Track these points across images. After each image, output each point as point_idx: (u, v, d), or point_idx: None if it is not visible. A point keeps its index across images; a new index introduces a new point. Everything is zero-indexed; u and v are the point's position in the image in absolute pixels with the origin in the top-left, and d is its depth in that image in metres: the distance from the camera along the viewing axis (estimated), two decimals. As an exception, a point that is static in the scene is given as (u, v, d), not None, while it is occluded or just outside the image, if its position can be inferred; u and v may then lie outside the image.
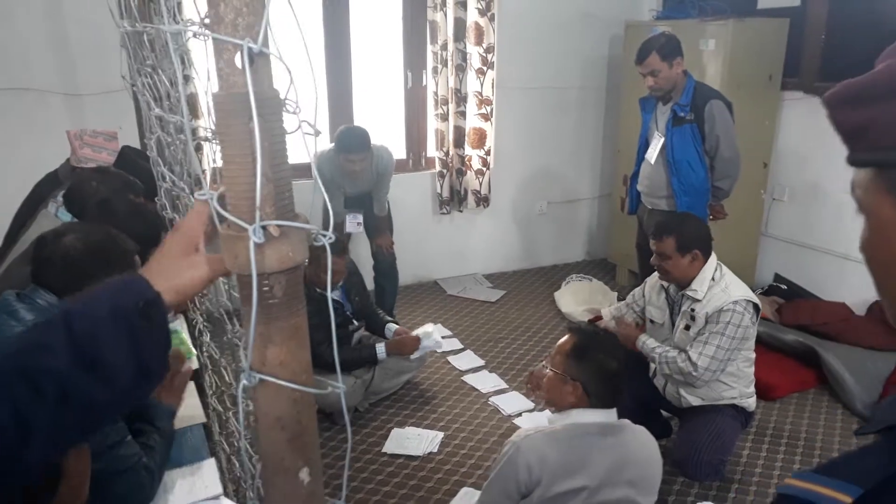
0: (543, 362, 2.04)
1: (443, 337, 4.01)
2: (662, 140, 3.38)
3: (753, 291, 4.33)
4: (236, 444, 1.78)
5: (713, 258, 2.69)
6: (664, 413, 3.00)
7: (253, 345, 0.69)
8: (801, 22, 4.15)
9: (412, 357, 3.34)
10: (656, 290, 2.85)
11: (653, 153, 3.45)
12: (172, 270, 0.76)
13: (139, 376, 0.73)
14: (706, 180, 3.36)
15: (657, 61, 3.24)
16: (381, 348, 3.20)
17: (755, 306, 2.63)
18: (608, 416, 1.91)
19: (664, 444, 2.96)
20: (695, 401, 2.73)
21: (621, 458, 1.84)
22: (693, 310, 2.65)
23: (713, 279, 2.64)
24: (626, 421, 1.95)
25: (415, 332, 3.37)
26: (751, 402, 2.77)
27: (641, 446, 1.91)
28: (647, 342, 2.75)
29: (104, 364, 0.71)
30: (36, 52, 3.64)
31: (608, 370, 1.89)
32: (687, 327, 2.68)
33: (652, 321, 2.86)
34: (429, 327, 3.42)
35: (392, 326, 3.46)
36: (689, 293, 2.66)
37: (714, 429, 2.67)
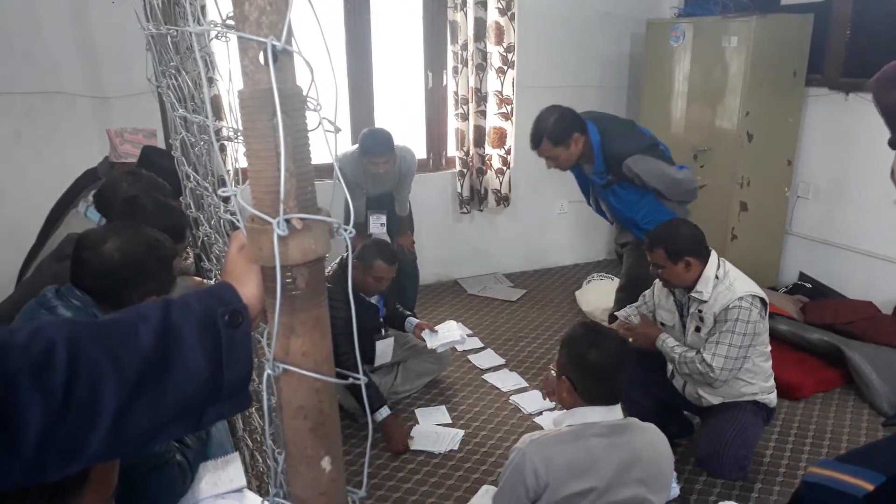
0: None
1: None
2: (605, 202, 3.30)
3: (777, 290, 4.33)
4: (259, 438, 1.81)
5: (713, 257, 2.64)
6: (685, 413, 2.98)
7: (277, 336, 0.71)
8: (826, 17, 4.10)
9: (432, 347, 3.35)
10: (664, 293, 2.83)
11: (607, 212, 3.39)
12: (249, 275, 0.76)
13: (212, 390, 0.72)
14: (666, 209, 3.15)
15: (549, 148, 3.09)
16: (384, 412, 3.01)
17: (762, 300, 2.60)
18: (611, 413, 1.87)
19: (685, 444, 2.95)
20: (715, 399, 2.71)
21: (630, 456, 1.82)
22: (701, 311, 2.63)
23: (717, 277, 2.61)
24: (634, 419, 1.93)
25: (437, 328, 3.40)
26: (772, 398, 2.75)
27: (650, 444, 1.89)
28: (666, 341, 2.74)
29: (180, 364, 0.70)
30: (63, 57, 3.72)
31: (588, 361, 1.85)
32: (697, 329, 2.65)
33: (663, 324, 2.85)
34: (451, 324, 3.44)
35: (413, 320, 3.48)
36: (695, 295, 2.63)
37: (737, 424, 2.64)
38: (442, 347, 3.37)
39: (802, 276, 4.44)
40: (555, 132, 3.07)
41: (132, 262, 1.58)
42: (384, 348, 3.28)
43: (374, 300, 3.24)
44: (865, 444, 0.66)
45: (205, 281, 2.84)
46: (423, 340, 3.39)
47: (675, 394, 2.86)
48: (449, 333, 3.36)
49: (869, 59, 3.94)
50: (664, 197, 3.15)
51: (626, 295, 3.29)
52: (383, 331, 3.31)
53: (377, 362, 3.28)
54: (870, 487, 0.51)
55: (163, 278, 1.65)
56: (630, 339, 2.80)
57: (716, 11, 4.36)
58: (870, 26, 3.94)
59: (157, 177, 2.42)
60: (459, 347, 3.56)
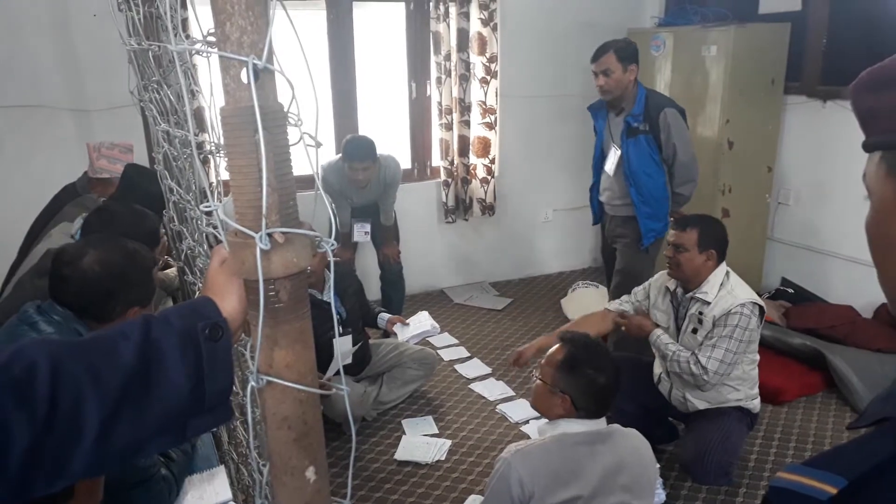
0: (535, 371, 2.04)
1: (449, 346, 4.05)
2: (619, 152, 3.39)
3: (760, 296, 4.36)
4: (244, 451, 1.80)
5: (724, 264, 2.71)
6: (670, 419, 3.00)
7: (260, 348, 0.72)
8: (803, 26, 4.18)
9: (404, 339, 3.39)
10: (662, 292, 2.86)
11: (611, 165, 3.46)
12: (229, 288, 0.77)
13: (194, 403, 0.73)
14: (665, 188, 3.37)
15: (613, 61, 3.25)
16: (384, 317, 3.22)
17: (761, 309, 2.64)
18: (596, 423, 1.91)
19: (671, 449, 2.98)
20: (701, 404, 2.74)
21: (614, 464, 1.84)
22: (701, 313, 2.67)
23: (721, 283, 2.66)
24: (616, 426, 1.95)
25: (408, 320, 3.45)
26: (755, 404, 2.78)
27: (634, 450, 1.91)
28: (661, 336, 2.75)
29: (161, 379, 0.71)
30: (45, 70, 3.71)
31: (597, 385, 1.89)
32: (694, 330, 2.69)
33: (656, 325, 2.87)
34: (422, 315, 3.46)
35: (384, 315, 3.51)
36: (700, 295, 2.67)
37: (722, 430, 2.68)
38: (414, 339, 3.38)
39: (784, 282, 4.49)
40: (624, 50, 3.26)
41: (114, 274, 1.58)
42: (343, 346, 3.25)
43: (326, 299, 3.22)
44: (833, 447, 0.68)
45: (171, 272, 2.83)
46: (396, 334, 3.42)
47: (660, 400, 2.88)
48: (420, 324, 3.38)
49: (845, 66, 4.03)
50: (671, 182, 3.36)
51: (621, 292, 3.34)
52: (339, 329, 3.28)
53: (341, 361, 3.25)
54: (833, 491, 0.53)
55: (145, 287, 1.65)
56: (622, 328, 2.84)
57: (695, 21, 4.42)
58: (845, 35, 4.02)
59: (144, 209, 2.39)
60: (435, 334, 3.56)
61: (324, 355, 3.17)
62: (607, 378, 1.91)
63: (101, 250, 1.59)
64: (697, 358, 2.61)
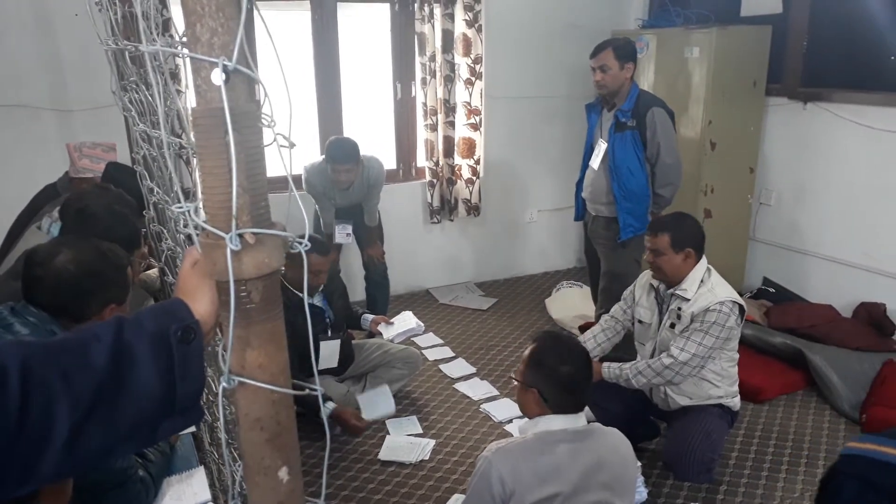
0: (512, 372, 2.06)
1: (434, 346, 4.06)
2: (605, 146, 3.45)
3: (742, 295, 4.40)
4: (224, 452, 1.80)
5: (704, 260, 2.73)
6: (652, 418, 3.02)
7: (232, 349, 0.72)
8: (784, 29, 4.22)
9: (389, 338, 3.41)
10: (646, 290, 2.89)
11: (596, 159, 3.52)
12: (202, 290, 0.77)
13: (165, 405, 0.73)
14: (646, 186, 3.42)
15: (610, 58, 3.33)
16: (328, 409, 2.97)
17: (741, 308, 2.67)
18: (575, 421, 1.90)
19: (652, 447, 3.00)
20: (683, 401, 2.76)
21: (594, 462, 1.85)
22: (680, 308, 2.69)
23: (702, 280, 2.68)
24: (597, 424, 1.96)
25: (392, 319, 3.46)
26: (736, 402, 2.81)
27: (613, 448, 1.92)
28: (610, 367, 2.77)
29: (133, 382, 0.71)
30: (27, 69, 3.68)
31: (561, 375, 1.89)
32: (672, 325, 2.72)
33: (640, 321, 2.89)
34: (406, 315, 3.47)
35: (368, 316, 3.52)
36: (679, 292, 2.69)
37: (703, 427, 2.70)
38: (399, 338, 3.40)
39: (766, 281, 4.54)
40: (622, 48, 3.36)
41: (89, 273, 1.57)
42: (330, 350, 3.26)
43: (317, 302, 3.23)
44: None
45: (152, 272, 2.81)
46: (381, 334, 3.43)
47: (642, 399, 2.90)
48: (404, 323, 3.39)
49: (825, 69, 4.08)
50: (653, 183, 3.42)
51: (609, 295, 3.37)
52: (329, 332, 3.30)
53: (322, 365, 3.25)
54: None
55: (120, 285, 1.64)
56: None
57: (678, 23, 4.45)
58: (826, 37, 4.06)
59: (125, 194, 2.40)
60: (420, 332, 3.56)
61: (317, 356, 3.15)
62: (571, 368, 1.90)
63: (75, 250, 1.58)
64: (670, 352, 2.63)
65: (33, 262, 1.59)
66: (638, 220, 3.40)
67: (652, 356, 2.80)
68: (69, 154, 2.90)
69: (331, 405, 3.00)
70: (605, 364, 2.80)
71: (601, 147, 3.48)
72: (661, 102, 3.40)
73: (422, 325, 3.48)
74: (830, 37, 4.03)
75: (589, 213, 3.70)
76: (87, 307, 1.57)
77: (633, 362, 2.74)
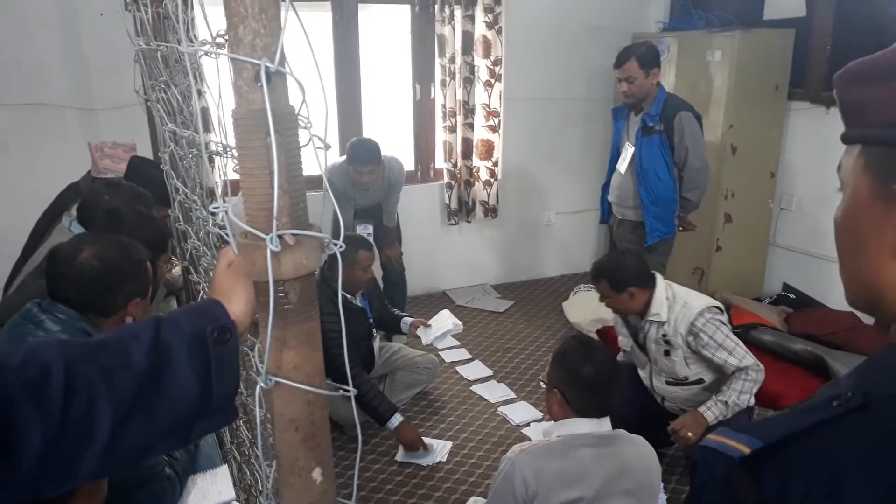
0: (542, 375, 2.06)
1: (450, 348, 4.05)
2: (632, 150, 3.44)
3: (761, 301, 4.38)
4: (247, 451, 1.81)
5: (660, 282, 2.66)
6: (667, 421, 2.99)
7: (269, 349, 0.73)
8: (807, 32, 4.18)
9: (428, 342, 3.39)
10: (618, 321, 2.87)
11: (623, 163, 3.51)
12: (237, 290, 0.78)
13: (201, 405, 0.74)
14: (674, 191, 3.41)
15: (635, 68, 3.31)
16: (395, 421, 2.98)
17: (718, 308, 2.61)
18: (600, 425, 1.89)
19: (671, 452, 2.97)
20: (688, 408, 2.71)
21: (619, 467, 1.84)
22: (665, 335, 2.62)
23: (668, 298, 2.63)
24: (622, 431, 1.94)
25: (430, 321, 3.42)
26: (751, 401, 2.66)
27: (639, 456, 1.91)
28: (711, 409, 2.55)
29: (171, 381, 0.72)
30: (52, 69, 3.72)
31: (583, 377, 1.88)
32: (667, 353, 2.65)
33: (624, 350, 2.88)
34: (443, 314, 3.44)
35: (408, 320, 3.48)
36: (651, 318, 2.63)
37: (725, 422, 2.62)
38: (439, 341, 3.37)
39: (786, 287, 4.49)
40: (645, 56, 3.32)
41: (113, 268, 1.59)
42: (374, 351, 3.31)
43: (359, 302, 3.23)
44: (764, 418, 0.73)
45: (175, 271, 2.83)
46: (419, 338, 3.42)
47: (654, 404, 2.87)
48: (442, 324, 3.37)
49: (849, 73, 4.02)
50: (681, 188, 3.41)
51: None
52: (374, 332, 3.32)
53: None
54: (747, 451, 0.57)
55: (143, 279, 1.66)
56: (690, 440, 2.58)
57: (700, 26, 4.42)
58: (850, 40, 4.02)
59: (137, 187, 2.41)
60: (458, 331, 3.47)
61: (367, 357, 3.13)
62: (593, 369, 1.88)
63: (97, 246, 1.61)
64: (733, 373, 2.53)
65: (57, 260, 1.61)
66: (665, 225, 3.40)
67: (651, 381, 2.79)
68: (91, 153, 2.93)
69: (398, 418, 2.99)
70: (704, 409, 2.56)
71: (628, 151, 3.47)
72: (688, 106, 3.39)
73: (459, 323, 3.40)
74: (855, 41, 3.98)
75: (615, 217, 3.69)
76: (113, 302, 1.59)
77: (715, 399, 2.56)
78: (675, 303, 2.61)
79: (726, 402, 2.53)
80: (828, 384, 0.66)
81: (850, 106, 0.63)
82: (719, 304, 2.64)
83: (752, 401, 2.75)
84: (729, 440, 0.60)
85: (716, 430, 0.64)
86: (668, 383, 2.75)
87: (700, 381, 2.67)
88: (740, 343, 2.57)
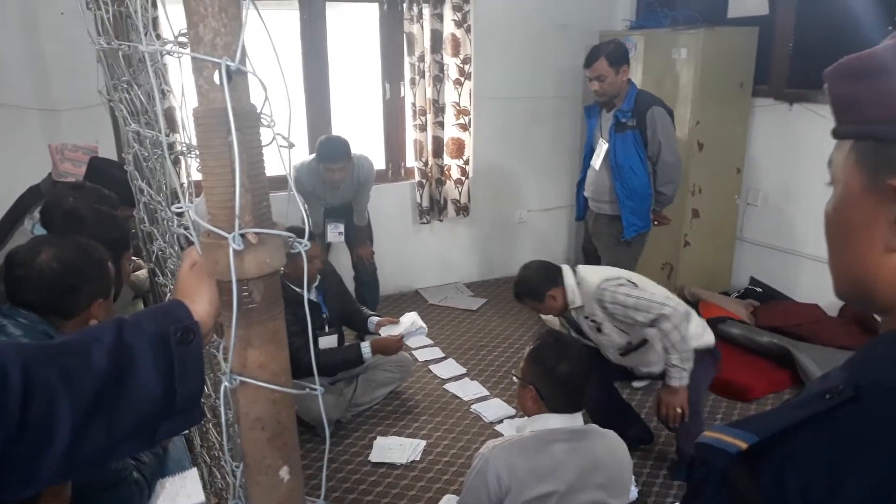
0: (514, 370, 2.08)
1: (424, 346, 4.06)
2: (606, 146, 3.49)
3: (729, 295, 4.45)
4: (217, 454, 1.79)
5: (566, 271, 2.75)
6: (643, 419, 3.04)
7: (234, 348, 0.72)
8: (770, 30, 4.26)
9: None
10: (560, 321, 3.07)
11: (597, 159, 3.57)
12: (200, 291, 0.77)
13: (165, 406, 0.73)
14: (648, 185, 3.47)
15: (604, 67, 3.35)
16: (366, 347, 3.18)
17: (616, 279, 2.68)
18: (573, 420, 1.92)
19: (642, 447, 3.01)
20: (657, 368, 2.74)
21: (590, 462, 1.86)
22: (587, 316, 2.74)
23: (578, 284, 2.73)
24: (594, 425, 1.98)
25: (399, 320, 3.43)
26: (706, 339, 2.72)
27: (610, 450, 1.94)
28: (672, 379, 2.57)
29: (134, 383, 0.71)
30: (12, 69, 3.64)
31: (558, 374, 1.91)
32: (599, 330, 2.75)
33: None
34: (410, 315, 3.45)
35: (374, 319, 3.49)
36: (574, 309, 2.75)
37: (692, 407, 2.61)
38: (405, 338, 3.38)
39: (753, 281, 4.57)
40: (614, 54, 3.36)
41: (73, 269, 1.57)
42: (328, 345, 3.28)
43: (313, 297, 3.23)
44: (758, 413, 0.76)
45: (141, 273, 2.79)
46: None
47: (624, 373, 2.96)
48: (409, 324, 3.37)
49: (811, 70, 4.11)
50: (655, 182, 3.46)
51: None
52: (326, 327, 3.31)
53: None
54: (743, 446, 0.58)
55: (105, 280, 1.64)
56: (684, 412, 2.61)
57: (665, 24, 4.48)
58: (811, 38, 4.10)
59: (103, 189, 2.38)
60: (423, 333, 3.52)
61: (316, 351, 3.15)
62: (569, 367, 1.91)
63: (55, 247, 1.58)
64: (654, 326, 2.56)
65: (15, 263, 1.58)
66: (641, 219, 3.48)
67: (607, 357, 2.87)
68: (51, 156, 2.86)
69: (366, 346, 3.18)
70: (669, 378, 2.59)
71: (602, 147, 3.51)
72: (659, 101, 3.44)
73: (425, 326, 3.45)
74: (816, 38, 4.07)
75: (591, 212, 3.73)
76: (75, 303, 1.57)
77: (670, 357, 2.57)
78: (583, 285, 2.71)
79: (676, 364, 2.54)
80: (820, 377, 0.66)
81: (841, 101, 0.63)
82: (619, 275, 2.71)
83: (708, 338, 2.73)
84: (725, 436, 0.60)
85: (712, 427, 0.64)
86: (622, 355, 2.82)
87: (644, 341, 2.72)
88: (649, 295, 2.57)
